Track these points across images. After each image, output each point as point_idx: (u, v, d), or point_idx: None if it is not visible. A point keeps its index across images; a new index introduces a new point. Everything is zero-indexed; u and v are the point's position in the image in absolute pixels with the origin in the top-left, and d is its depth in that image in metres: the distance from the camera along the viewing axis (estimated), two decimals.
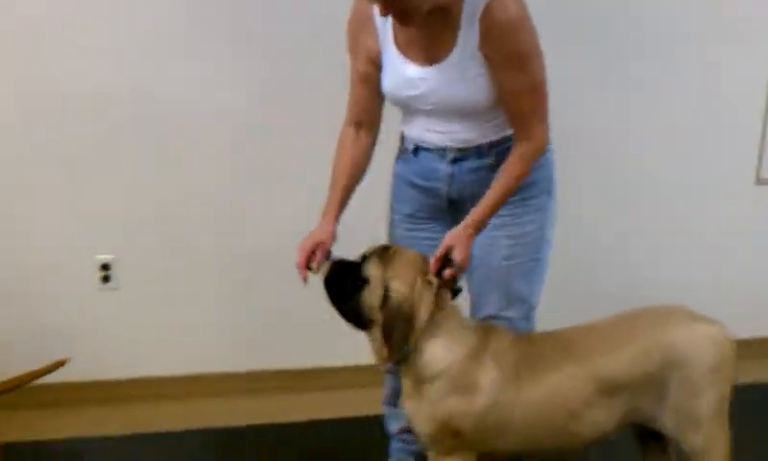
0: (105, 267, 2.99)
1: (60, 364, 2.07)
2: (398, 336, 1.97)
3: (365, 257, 2.05)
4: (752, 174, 3.44)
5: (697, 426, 2.00)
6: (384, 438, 2.57)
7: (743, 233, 3.48)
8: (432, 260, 2.02)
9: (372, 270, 2.00)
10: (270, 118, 2.98)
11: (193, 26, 2.86)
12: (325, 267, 2.08)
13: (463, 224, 2.04)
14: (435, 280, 2.03)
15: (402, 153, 2.26)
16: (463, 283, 2.18)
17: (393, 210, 2.34)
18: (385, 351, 2.00)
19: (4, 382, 2.04)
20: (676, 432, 2.03)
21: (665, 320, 2.04)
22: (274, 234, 3.04)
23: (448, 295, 2.05)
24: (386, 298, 1.96)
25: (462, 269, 2.02)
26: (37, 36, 2.77)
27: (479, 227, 2.05)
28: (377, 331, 2.01)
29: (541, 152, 2.08)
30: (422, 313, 1.98)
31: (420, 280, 2.00)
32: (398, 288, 1.96)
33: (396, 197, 2.31)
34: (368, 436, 2.76)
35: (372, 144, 2.24)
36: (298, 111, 2.98)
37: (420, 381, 2.00)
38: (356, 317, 2.03)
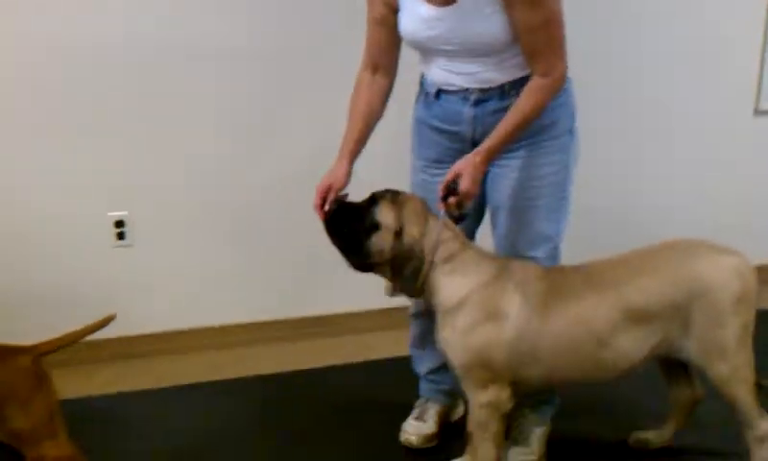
0: (119, 224, 2.98)
1: (109, 320, 2.09)
2: (407, 274, 2.04)
3: (372, 201, 2.08)
4: (750, 105, 3.50)
5: (722, 355, 2.08)
6: (413, 378, 2.64)
7: (741, 165, 3.55)
8: (440, 186, 2.06)
9: (385, 216, 2.04)
10: (279, 62, 2.98)
11: None
12: (329, 211, 2.12)
13: (474, 152, 2.07)
14: (449, 220, 2.08)
15: (424, 97, 2.27)
16: (484, 226, 2.22)
17: (415, 156, 2.35)
18: (394, 285, 2.08)
19: (55, 340, 2.07)
20: (702, 361, 2.11)
21: (691, 252, 2.11)
22: (288, 179, 3.06)
23: (462, 233, 2.11)
24: (398, 238, 2.02)
25: (467, 197, 2.04)
26: None
27: (491, 155, 2.07)
28: (386, 270, 2.07)
29: (559, 86, 2.08)
30: (434, 253, 2.04)
31: (431, 221, 2.06)
32: (411, 231, 2.02)
33: (418, 142, 2.33)
34: (399, 377, 2.83)
35: (390, 87, 2.25)
36: (307, 53, 2.98)
37: (446, 312, 2.06)
38: (361, 259, 2.08)
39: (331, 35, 2.96)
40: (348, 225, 2.08)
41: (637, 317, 2.05)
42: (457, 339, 2.06)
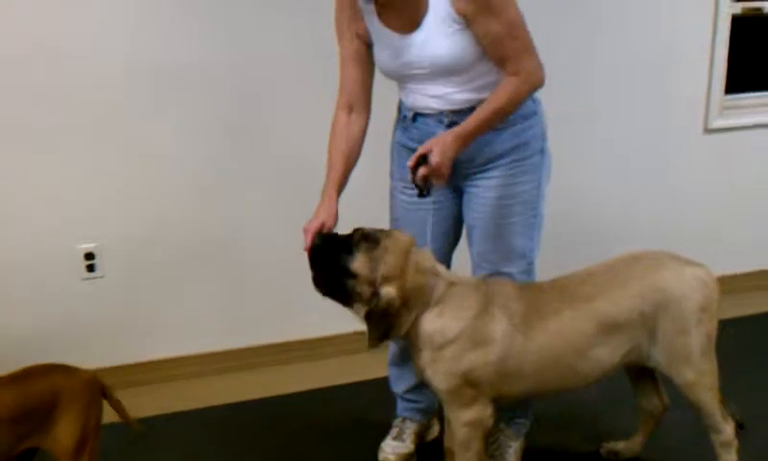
0: (89, 256, 2.97)
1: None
2: (383, 330, 2.07)
3: (350, 247, 2.09)
4: (700, 124, 3.64)
5: (688, 361, 2.18)
6: (388, 399, 2.68)
7: (693, 181, 3.69)
8: (411, 158, 2.10)
9: (360, 268, 2.06)
10: (255, 87, 3.01)
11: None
12: (312, 245, 2.13)
13: (449, 131, 2.13)
14: (428, 260, 2.12)
15: (401, 121, 2.34)
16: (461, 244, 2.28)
17: (393, 178, 2.42)
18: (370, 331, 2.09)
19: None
20: (668, 368, 2.20)
21: (656, 264, 2.20)
22: (260, 208, 3.09)
23: (442, 267, 2.16)
24: (377, 298, 2.04)
25: (435, 171, 2.07)
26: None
27: (464, 138, 2.11)
28: (361, 308, 2.10)
29: (534, 81, 2.13)
30: (417, 304, 2.08)
31: (412, 271, 2.08)
32: (389, 292, 2.04)
33: (396, 164, 2.39)
34: (374, 398, 2.87)
35: (365, 126, 2.31)
36: (282, 83, 3.02)
37: (438, 347, 2.09)
38: (337, 297, 2.12)
39: (302, 75, 3.01)
40: (329, 263, 2.10)
41: (609, 328, 2.13)
42: (445, 368, 2.10)
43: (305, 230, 2.16)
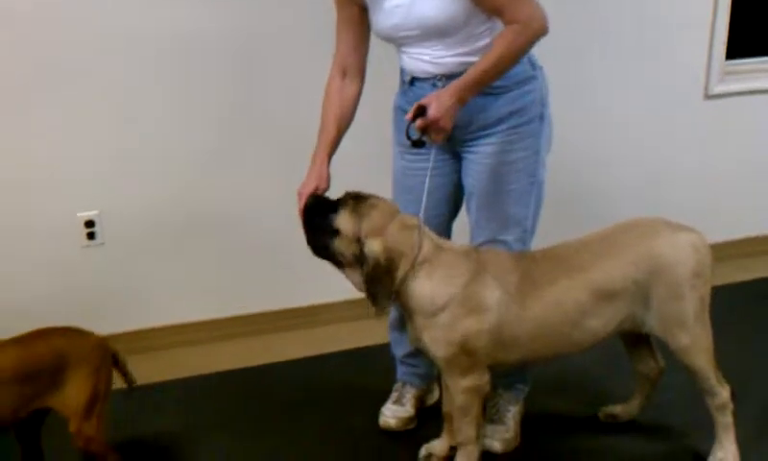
0: (89, 223, 2.98)
1: None
2: (382, 292, 2.07)
3: (337, 203, 2.12)
4: (701, 89, 3.64)
5: (682, 326, 2.20)
6: (387, 366, 2.71)
7: (694, 147, 3.69)
8: (409, 111, 2.11)
9: (344, 223, 2.08)
10: (254, 58, 3.01)
11: None
12: (306, 206, 2.16)
13: (447, 86, 2.12)
14: (413, 219, 2.12)
15: (401, 85, 2.35)
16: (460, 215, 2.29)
17: (394, 142, 2.43)
18: (367, 295, 2.09)
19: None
20: (663, 333, 2.22)
21: (649, 232, 2.21)
22: (257, 175, 3.09)
23: (430, 234, 2.15)
24: (363, 256, 2.05)
25: (433, 123, 2.06)
26: None
27: (463, 90, 2.08)
28: (353, 273, 2.11)
29: (533, 29, 2.07)
30: (403, 261, 2.08)
31: (396, 228, 2.09)
32: (373, 247, 2.05)
33: (397, 129, 2.40)
34: (374, 365, 2.91)
35: (359, 93, 2.32)
36: (282, 55, 3.02)
37: (429, 314, 2.11)
38: (328, 258, 2.14)
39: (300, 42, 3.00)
40: (318, 222, 2.13)
41: (604, 296, 2.15)
42: (440, 336, 2.11)
43: (299, 194, 2.20)
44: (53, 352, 2.08)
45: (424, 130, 2.09)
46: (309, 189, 2.18)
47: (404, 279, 2.08)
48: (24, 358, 2.05)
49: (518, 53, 2.11)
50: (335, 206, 2.11)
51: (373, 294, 2.07)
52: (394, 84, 2.40)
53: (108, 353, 2.21)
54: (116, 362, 2.27)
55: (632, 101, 3.54)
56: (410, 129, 2.12)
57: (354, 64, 2.29)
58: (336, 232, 2.08)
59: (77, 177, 2.93)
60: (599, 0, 3.36)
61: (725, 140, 3.73)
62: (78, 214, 2.97)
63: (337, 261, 2.12)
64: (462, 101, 2.09)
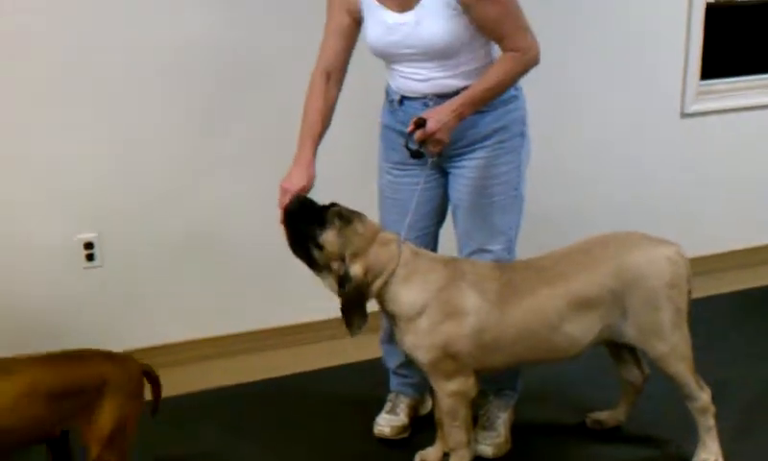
0: (88, 245, 3.05)
1: None
2: (358, 311, 2.17)
3: (323, 220, 2.18)
4: (677, 107, 3.77)
5: (659, 335, 2.30)
6: (381, 378, 2.79)
7: (670, 164, 3.81)
8: (410, 123, 2.21)
9: (329, 243, 2.17)
10: (242, 72, 3.08)
11: None
12: (289, 206, 2.22)
13: (446, 102, 2.23)
14: (392, 234, 2.23)
15: (388, 104, 2.45)
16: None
17: (382, 159, 2.53)
18: (345, 319, 2.20)
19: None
20: (642, 343, 2.32)
21: (627, 245, 2.32)
22: (254, 193, 3.14)
23: (408, 247, 2.25)
24: (345, 276, 2.15)
25: (431, 137, 2.18)
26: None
27: (462, 108, 2.21)
28: (327, 277, 2.21)
29: (530, 58, 2.24)
30: (381, 276, 2.18)
31: (377, 247, 2.18)
32: (357, 272, 2.15)
33: (384, 146, 2.51)
34: (367, 378, 2.99)
35: (337, 99, 2.40)
36: (267, 72, 3.09)
37: (409, 319, 2.21)
38: (305, 261, 2.22)
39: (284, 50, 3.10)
40: (302, 228, 2.19)
41: (582, 305, 2.24)
42: (421, 341, 2.20)
43: (283, 188, 2.25)
44: (98, 376, 2.07)
45: (423, 142, 2.20)
46: (295, 187, 2.23)
47: (384, 286, 2.18)
48: (66, 376, 2.04)
49: (515, 78, 2.27)
50: (321, 217, 2.18)
51: (349, 313, 2.17)
52: (376, 102, 2.49)
53: (143, 384, 2.19)
54: (155, 384, 2.27)
55: (610, 119, 3.65)
56: (409, 141, 2.23)
57: (337, 71, 2.37)
58: (320, 247, 2.17)
59: (76, 199, 2.99)
60: (577, 21, 3.49)
61: (700, 158, 3.85)
62: (77, 236, 3.03)
63: (312, 265, 2.21)
64: (460, 117, 2.22)
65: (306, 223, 2.18)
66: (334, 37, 2.34)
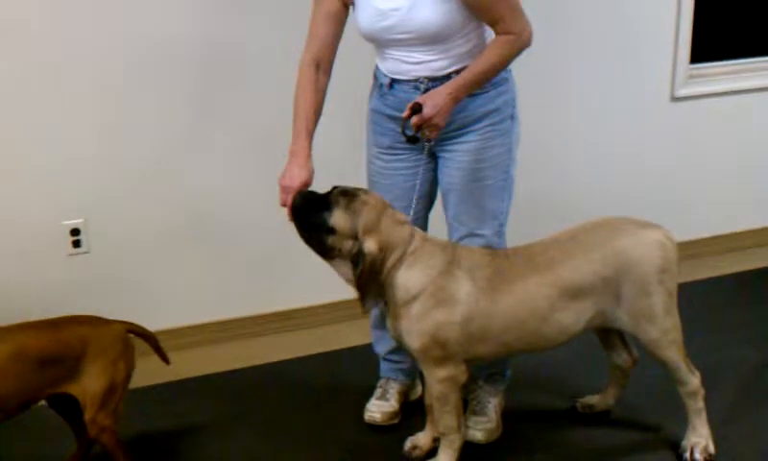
0: (75, 232, 3.02)
1: None
2: (373, 288, 2.16)
3: (328, 203, 2.16)
4: (667, 91, 3.76)
5: (651, 320, 2.29)
6: (371, 364, 2.78)
7: (660, 148, 3.81)
8: (406, 108, 2.20)
9: (339, 222, 2.15)
10: (230, 63, 3.06)
11: None
12: (294, 203, 2.20)
13: (442, 86, 2.22)
14: (403, 218, 2.20)
15: (377, 88, 2.42)
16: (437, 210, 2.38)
17: (370, 144, 2.50)
18: (359, 296, 2.17)
19: (141, 327, 2.38)
20: (634, 328, 2.32)
21: (617, 230, 2.30)
22: (244, 178, 3.15)
23: (412, 227, 2.24)
24: (359, 256, 2.12)
25: (428, 122, 2.17)
26: None
27: (459, 90, 2.20)
28: (342, 265, 2.18)
29: (524, 41, 2.23)
30: (395, 254, 2.16)
31: (389, 223, 2.17)
32: (371, 247, 2.12)
33: (373, 131, 2.47)
34: (358, 364, 2.98)
35: (327, 85, 2.37)
36: (260, 55, 3.07)
37: (403, 304, 2.19)
38: (324, 253, 2.20)
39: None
40: (311, 220, 2.17)
41: (573, 293, 2.23)
42: (412, 326, 2.19)
43: (284, 187, 2.22)
44: (78, 339, 2.13)
45: (419, 127, 2.17)
46: (297, 184, 2.20)
47: (390, 270, 2.16)
48: (53, 341, 2.11)
49: (508, 61, 2.26)
50: (326, 202, 2.17)
51: (364, 290, 2.14)
52: (362, 87, 2.47)
53: (130, 345, 2.24)
54: (155, 345, 2.35)
55: (600, 103, 3.64)
56: (405, 126, 2.21)
57: (326, 59, 2.33)
58: (331, 230, 2.14)
59: (62, 184, 2.96)
60: (566, 5, 3.47)
61: (690, 141, 3.85)
62: (63, 222, 3.00)
63: (327, 254, 2.18)
64: (456, 100, 2.20)
65: (314, 213, 2.16)
66: (324, 23, 2.30)
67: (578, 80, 3.58)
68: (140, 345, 2.35)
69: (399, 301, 2.18)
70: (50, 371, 2.11)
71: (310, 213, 2.17)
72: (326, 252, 2.18)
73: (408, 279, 2.17)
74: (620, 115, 3.69)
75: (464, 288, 2.17)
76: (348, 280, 2.21)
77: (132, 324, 2.32)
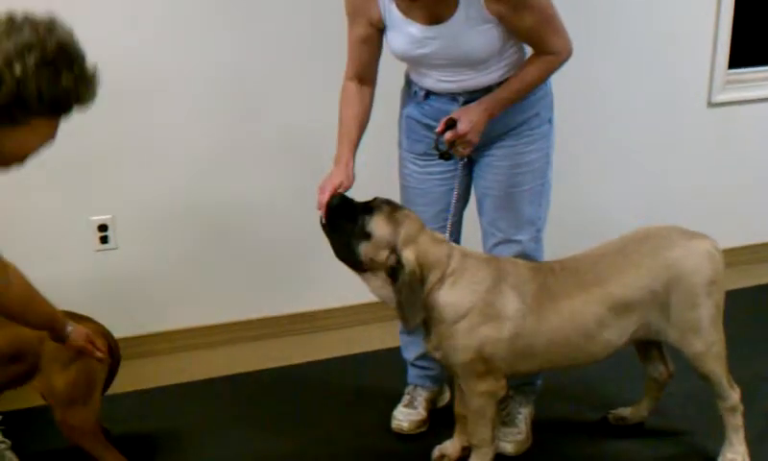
0: (102, 227, 3.00)
1: None
2: (415, 304, 2.06)
3: (369, 208, 2.10)
4: (704, 97, 3.68)
5: (697, 333, 2.23)
6: (398, 369, 2.74)
7: (697, 154, 3.73)
8: (440, 123, 2.16)
9: (379, 229, 2.07)
10: (256, 65, 3.04)
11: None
12: (331, 202, 2.12)
13: (477, 101, 2.18)
14: (441, 237, 2.15)
15: (413, 96, 2.37)
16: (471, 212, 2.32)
17: (404, 149, 2.45)
18: (400, 314, 2.08)
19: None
20: (679, 341, 2.25)
21: (665, 241, 2.24)
22: (269, 180, 3.12)
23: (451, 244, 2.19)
24: (398, 266, 2.04)
25: (461, 138, 2.13)
26: None
27: (495, 107, 2.18)
28: (374, 278, 2.11)
29: (563, 60, 2.21)
30: (433, 273, 2.09)
31: (427, 239, 2.11)
32: (410, 257, 2.05)
33: (407, 137, 2.43)
34: (385, 368, 2.94)
35: (373, 96, 2.35)
36: (288, 61, 3.04)
37: (452, 323, 2.12)
38: (349, 259, 2.11)
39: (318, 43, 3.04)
40: (344, 223, 2.10)
41: (621, 309, 2.18)
42: (458, 343, 2.12)
43: (321, 189, 2.16)
44: (35, 335, 2.06)
45: (452, 142, 2.13)
46: (334, 185, 2.15)
47: (431, 291, 2.10)
48: (9, 337, 2.06)
49: (546, 78, 2.24)
50: (368, 208, 2.10)
51: (406, 306, 2.06)
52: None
53: (104, 342, 2.15)
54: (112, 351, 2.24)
55: (635, 109, 3.57)
56: (439, 142, 2.16)
57: (368, 74, 2.32)
58: (367, 236, 2.06)
59: (90, 181, 2.95)
60: (602, 9, 3.40)
61: (728, 147, 3.77)
62: (91, 218, 2.99)
63: (358, 265, 2.11)
64: (491, 116, 2.17)
65: (349, 216, 2.09)
66: (361, 48, 2.27)
67: (614, 86, 3.51)
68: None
69: (448, 320, 2.12)
70: (11, 368, 2.07)
71: (346, 216, 2.10)
72: (357, 261, 2.09)
73: (456, 297, 2.11)
74: (657, 121, 3.62)
75: (512, 305, 2.12)
76: (380, 297, 2.13)
77: (96, 325, 2.24)
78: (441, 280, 2.10)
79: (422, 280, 2.07)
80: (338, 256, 2.14)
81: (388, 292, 2.09)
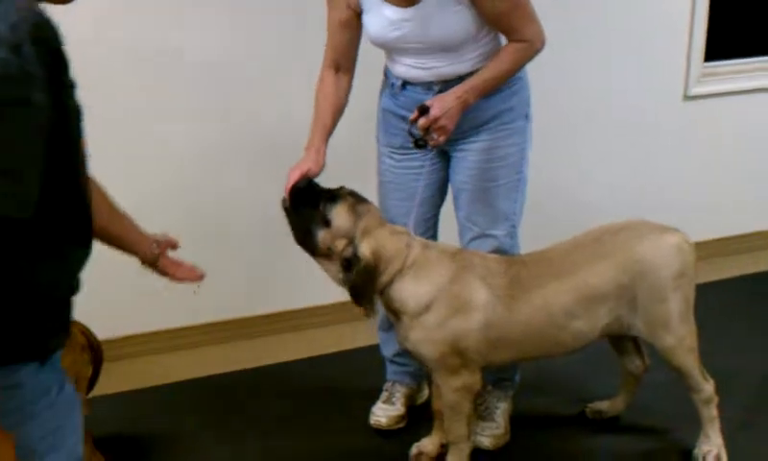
0: None
1: None
2: (368, 294, 2.10)
3: (333, 197, 2.12)
4: (680, 90, 3.70)
5: (667, 327, 2.24)
6: (376, 366, 2.74)
7: (674, 147, 3.74)
8: (414, 111, 2.15)
9: (339, 218, 2.09)
10: (258, 68, 3.04)
11: None
12: (296, 185, 2.14)
13: (452, 89, 2.18)
14: (401, 229, 2.16)
15: (389, 87, 2.37)
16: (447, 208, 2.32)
17: (381, 143, 2.45)
18: (355, 301, 2.12)
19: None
20: (649, 335, 2.27)
21: (635, 235, 2.25)
22: (250, 179, 3.10)
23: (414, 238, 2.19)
24: (354, 257, 2.06)
25: (435, 124, 2.12)
26: None
27: (469, 93, 2.17)
28: (329, 264, 2.12)
29: (537, 48, 2.21)
30: (392, 265, 2.10)
31: (386, 233, 2.12)
32: (366, 250, 2.06)
33: (384, 130, 2.43)
34: (362, 366, 2.94)
35: (350, 85, 2.35)
36: (289, 58, 3.03)
37: (416, 314, 2.13)
38: (306, 244, 2.13)
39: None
40: (307, 208, 2.11)
41: (591, 300, 2.19)
42: (428, 336, 2.13)
43: (290, 172, 2.17)
44: None
45: (426, 129, 2.13)
46: (302, 169, 2.16)
47: (390, 282, 2.11)
48: None
49: (520, 67, 2.23)
50: (332, 196, 2.11)
51: (358, 295, 2.09)
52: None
53: (76, 343, 2.11)
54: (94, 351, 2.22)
55: (611, 103, 3.57)
56: (412, 128, 2.16)
57: (346, 62, 2.32)
58: (327, 223, 2.08)
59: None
60: (578, 3, 3.40)
61: (703, 140, 3.79)
62: None
63: (315, 250, 2.12)
64: (465, 104, 2.16)
65: (312, 201, 2.10)
66: (340, 32, 2.28)
67: (590, 78, 3.52)
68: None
69: (411, 312, 2.13)
70: None
71: (310, 201, 2.11)
72: (315, 247, 2.11)
73: (416, 288, 2.11)
74: (633, 114, 3.63)
75: (480, 295, 2.12)
76: (337, 281, 2.15)
77: (85, 328, 2.22)
78: (400, 272, 2.10)
79: (377, 274, 2.08)
80: (296, 240, 2.15)
81: (343, 277, 2.11)
